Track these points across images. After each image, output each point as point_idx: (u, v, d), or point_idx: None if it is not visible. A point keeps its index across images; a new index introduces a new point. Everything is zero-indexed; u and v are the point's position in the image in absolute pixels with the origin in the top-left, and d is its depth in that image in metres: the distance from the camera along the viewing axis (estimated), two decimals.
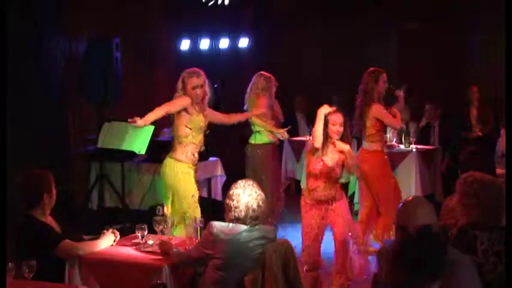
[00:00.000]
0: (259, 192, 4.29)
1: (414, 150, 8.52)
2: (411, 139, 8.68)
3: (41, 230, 4.53)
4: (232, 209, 4.24)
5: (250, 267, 4.19)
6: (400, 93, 7.28)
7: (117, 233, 4.79)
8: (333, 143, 5.56)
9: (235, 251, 4.19)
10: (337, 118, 5.53)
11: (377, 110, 6.77)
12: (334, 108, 5.61)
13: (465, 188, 3.78)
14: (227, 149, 7.98)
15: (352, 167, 5.61)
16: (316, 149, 5.54)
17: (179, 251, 4.44)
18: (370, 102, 6.78)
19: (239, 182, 4.32)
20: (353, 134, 9.51)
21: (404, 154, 8.48)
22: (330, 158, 5.56)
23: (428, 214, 3.28)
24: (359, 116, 6.85)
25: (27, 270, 3.88)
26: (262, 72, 7.39)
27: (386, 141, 7.44)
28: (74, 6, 7.85)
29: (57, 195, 4.69)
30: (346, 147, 5.56)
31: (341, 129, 5.56)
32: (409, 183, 8.36)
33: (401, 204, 3.44)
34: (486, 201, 3.61)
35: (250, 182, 4.33)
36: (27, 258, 3.98)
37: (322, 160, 5.56)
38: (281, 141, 8.10)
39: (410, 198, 3.52)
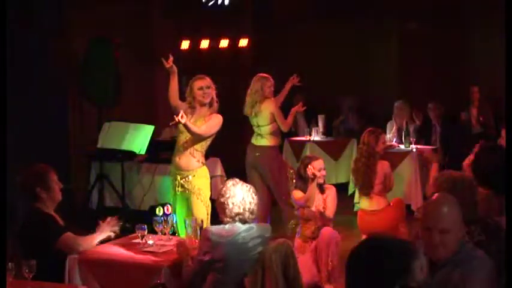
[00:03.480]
0: (249, 186, 4.34)
1: (414, 150, 8.52)
2: (411, 139, 8.68)
3: (45, 220, 4.56)
4: (230, 206, 4.24)
5: (250, 267, 4.19)
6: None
7: (115, 221, 4.75)
8: (318, 187, 5.95)
9: (235, 252, 4.18)
10: (319, 164, 5.97)
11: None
12: (314, 156, 6.35)
13: (437, 188, 3.81)
14: (227, 149, 7.98)
15: (328, 209, 5.95)
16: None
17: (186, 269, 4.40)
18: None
19: (228, 181, 4.37)
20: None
21: (404, 154, 8.49)
22: (317, 203, 5.93)
23: (455, 214, 3.23)
24: None
25: (27, 270, 3.89)
26: (262, 75, 7.31)
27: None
28: (74, 6, 7.85)
29: None
30: (330, 190, 6.02)
31: (325, 172, 6.03)
32: (409, 183, 8.36)
33: (426, 203, 3.39)
34: (459, 197, 3.61)
35: (237, 179, 4.38)
36: (31, 250, 3.99)
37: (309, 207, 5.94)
38: (281, 142, 8.07)
39: (435, 196, 3.41)
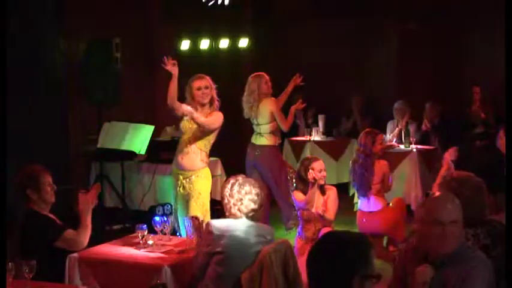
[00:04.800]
0: (253, 183, 4.37)
1: (414, 150, 8.52)
2: (411, 139, 8.68)
3: (44, 221, 4.57)
4: (232, 203, 4.26)
5: (249, 262, 4.20)
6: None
7: (87, 195, 4.66)
8: (319, 189, 5.94)
9: (236, 247, 4.20)
10: (319, 165, 5.93)
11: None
12: (314, 157, 6.34)
13: (445, 188, 3.81)
14: (227, 149, 7.98)
15: (329, 210, 5.92)
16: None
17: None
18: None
19: (232, 178, 4.38)
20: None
21: (404, 154, 8.49)
22: (317, 204, 5.92)
23: (460, 208, 3.29)
24: None
25: (27, 270, 3.89)
26: (256, 74, 7.31)
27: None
28: (73, 7, 7.85)
29: (58, 195, 4.71)
30: (331, 191, 5.98)
31: (325, 173, 5.98)
32: (409, 183, 8.36)
33: (428, 199, 3.42)
34: (466, 198, 3.63)
35: (242, 176, 4.41)
36: (31, 251, 3.99)
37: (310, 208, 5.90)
38: (282, 141, 8.07)
39: (437, 193, 3.47)
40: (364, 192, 6.78)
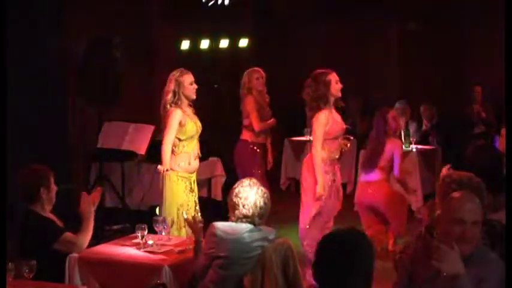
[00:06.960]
0: (264, 190, 4.30)
1: (414, 150, 8.52)
2: (411, 139, 8.68)
3: (43, 223, 4.56)
4: (240, 207, 4.22)
5: (251, 267, 4.19)
6: None
7: (91, 197, 4.68)
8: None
9: (239, 250, 4.19)
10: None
11: None
12: None
13: (444, 189, 3.80)
14: (227, 149, 7.98)
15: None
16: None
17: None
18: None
19: (244, 180, 4.32)
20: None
21: (404, 154, 8.48)
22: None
23: (481, 211, 3.33)
24: None
25: (27, 270, 3.89)
26: (252, 68, 7.29)
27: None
28: (74, 6, 7.85)
29: (57, 195, 4.71)
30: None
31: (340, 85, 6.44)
32: (409, 183, 8.35)
33: (451, 198, 3.40)
34: None
35: (255, 181, 4.34)
36: (30, 252, 3.99)
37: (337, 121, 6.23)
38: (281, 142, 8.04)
39: (460, 192, 3.47)
40: (369, 168, 6.76)
